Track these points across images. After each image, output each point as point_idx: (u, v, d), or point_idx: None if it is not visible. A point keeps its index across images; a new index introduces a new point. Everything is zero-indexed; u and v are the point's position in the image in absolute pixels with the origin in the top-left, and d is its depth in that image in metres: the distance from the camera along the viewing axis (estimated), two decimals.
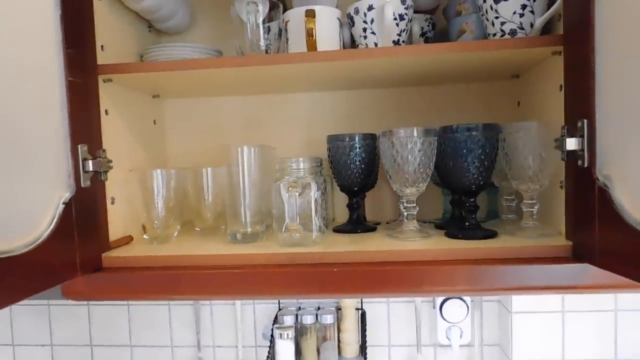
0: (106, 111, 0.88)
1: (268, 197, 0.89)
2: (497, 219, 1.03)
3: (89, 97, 0.81)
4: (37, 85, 0.64)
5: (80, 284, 0.77)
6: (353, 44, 0.97)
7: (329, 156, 0.96)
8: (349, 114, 1.14)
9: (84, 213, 0.74)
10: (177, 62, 0.85)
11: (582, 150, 0.67)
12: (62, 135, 0.70)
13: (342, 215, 1.12)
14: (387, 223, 1.07)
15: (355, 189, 0.96)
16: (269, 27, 0.96)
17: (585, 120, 0.67)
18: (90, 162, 0.75)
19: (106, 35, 0.89)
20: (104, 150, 0.82)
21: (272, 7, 0.95)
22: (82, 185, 0.73)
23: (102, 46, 0.87)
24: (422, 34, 0.98)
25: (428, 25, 0.99)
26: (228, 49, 1.11)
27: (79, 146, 0.73)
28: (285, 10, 1.09)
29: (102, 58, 0.86)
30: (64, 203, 0.67)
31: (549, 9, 0.82)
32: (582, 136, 0.67)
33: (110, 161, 0.82)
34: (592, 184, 0.64)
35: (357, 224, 0.97)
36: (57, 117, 0.69)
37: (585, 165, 0.66)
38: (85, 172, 0.74)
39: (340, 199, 1.12)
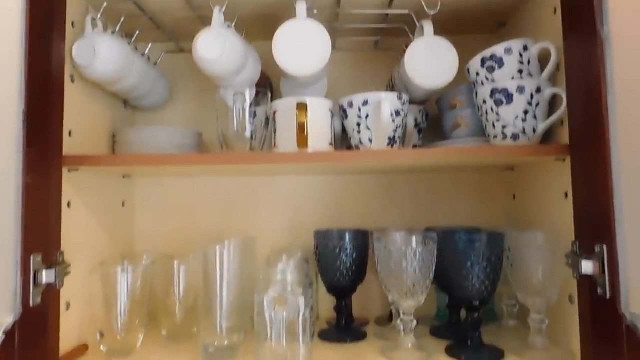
0: (69, 203, 0.78)
1: (248, 294, 0.80)
2: (496, 322, 0.96)
3: (49, 194, 0.71)
4: None
5: None
6: (344, 132, 0.91)
7: (316, 253, 0.88)
8: (338, 199, 1.07)
9: (29, 336, 0.63)
10: (151, 157, 0.76)
11: (602, 276, 0.61)
12: (11, 247, 0.59)
13: (327, 309, 1.02)
14: (376, 323, 0.98)
15: (344, 291, 0.88)
16: (255, 111, 0.90)
17: (605, 246, 0.61)
18: (44, 272, 0.64)
19: (76, 120, 0.81)
20: (61, 253, 0.72)
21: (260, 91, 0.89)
22: (31, 305, 0.62)
23: (70, 132, 0.78)
24: (416, 125, 0.94)
25: (422, 117, 0.95)
26: (208, 124, 1.04)
27: (32, 256, 0.63)
28: (272, 92, 1.04)
29: (69, 145, 0.77)
30: (4, 333, 0.56)
31: (550, 114, 0.78)
32: (600, 261, 0.62)
33: (68, 265, 0.72)
34: (618, 319, 0.58)
35: (345, 330, 0.88)
36: (7, 226, 0.59)
37: (608, 296, 0.60)
38: (37, 286, 0.63)
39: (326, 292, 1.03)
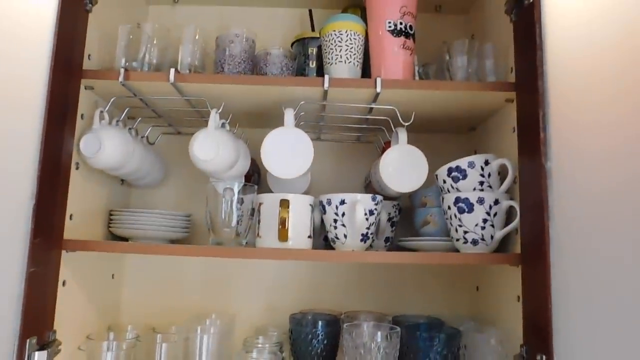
0: (64, 282, 0.84)
1: None
2: None
3: (48, 278, 0.78)
4: None
5: None
6: (323, 223, 0.99)
7: (290, 337, 0.95)
8: (314, 283, 1.14)
9: None
10: (145, 247, 0.84)
11: None
12: (10, 333, 0.65)
13: None
14: None
15: None
16: (242, 198, 0.98)
17: (544, 356, 0.69)
18: (36, 355, 0.70)
19: (77, 204, 0.88)
20: (54, 332, 0.78)
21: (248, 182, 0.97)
22: None
23: (70, 215, 0.86)
24: (389, 219, 1.02)
25: (395, 211, 1.03)
26: (198, 206, 1.11)
27: (28, 340, 0.69)
28: (260, 176, 1.12)
29: (69, 229, 0.84)
30: None
31: (507, 222, 0.87)
32: None
33: (60, 344, 0.77)
34: None
35: None
36: (8, 314, 0.65)
37: None
38: None
39: None
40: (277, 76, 0.96)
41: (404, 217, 1.08)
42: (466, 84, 0.89)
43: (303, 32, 1.09)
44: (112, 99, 0.93)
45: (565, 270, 0.69)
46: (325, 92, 0.89)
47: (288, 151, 0.87)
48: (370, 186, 1.08)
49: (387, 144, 1.08)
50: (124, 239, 1.00)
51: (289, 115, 0.90)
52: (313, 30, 1.13)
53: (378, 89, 0.87)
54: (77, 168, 0.89)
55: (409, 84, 0.88)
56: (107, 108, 0.92)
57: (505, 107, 0.94)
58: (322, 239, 1.04)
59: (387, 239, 1.03)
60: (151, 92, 0.93)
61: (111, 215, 1.01)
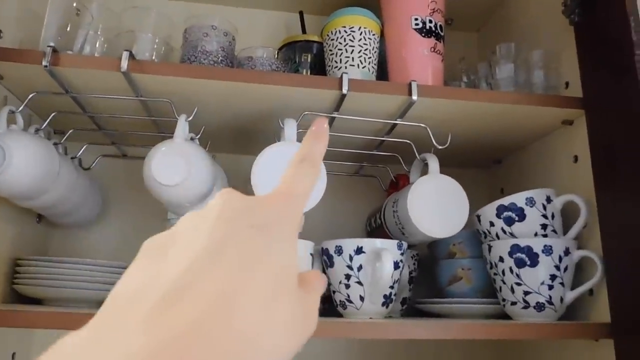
0: None
1: None
2: None
3: None
4: None
5: None
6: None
7: None
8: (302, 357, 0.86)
9: None
10: (63, 315, 0.53)
11: None
12: None
13: None
14: None
15: None
16: None
17: None
18: None
19: None
20: None
21: None
22: None
23: None
24: (409, 274, 0.77)
25: (414, 264, 0.79)
26: None
27: None
28: None
29: None
30: None
31: (575, 281, 0.65)
32: None
33: None
34: None
35: None
36: None
37: None
38: None
39: None
40: (276, 72, 0.71)
41: (421, 272, 0.84)
42: (537, 96, 0.68)
43: (293, 36, 0.86)
44: (30, 95, 0.64)
45: None
46: (342, 98, 0.65)
47: None
48: (376, 232, 0.84)
49: (401, 178, 0.85)
50: (35, 301, 0.69)
51: (290, 127, 0.65)
52: (304, 33, 0.90)
53: (414, 96, 0.64)
54: None
55: (455, 92, 0.66)
56: (21, 108, 0.63)
57: (558, 131, 0.75)
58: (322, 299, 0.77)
59: (403, 300, 0.78)
60: (91, 87, 0.65)
61: (18, 265, 0.69)
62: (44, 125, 0.68)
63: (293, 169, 0.25)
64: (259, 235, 0.21)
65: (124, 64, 0.59)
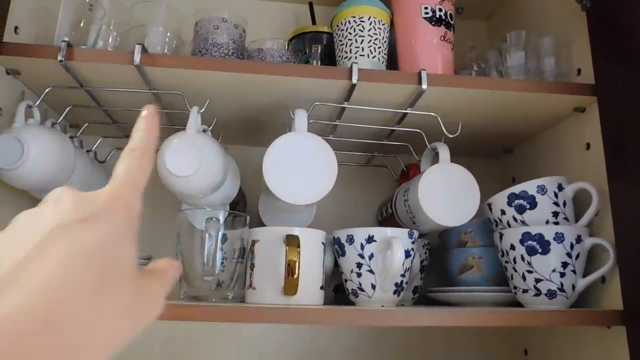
0: None
1: None
2: None
3: None
4: None
5: None
6: (335, 266, 0.74)
7: None
8: (315, 347, 0.87)
9: None
10: None
11: None
12: None
13: None
14: None
15: None
16: (225, 234, 0.71)
17: None
18: None
19: None
20: None
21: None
22: None
23: None
24: (421, 263, 0.78)
25: (425, 253, 0.79)
26: (160, 245, 0.83)
27: None
28: (245, 207, 0.86)
29: None
30: None
31: (587, 269, 0.65)
32: None
33: None
34: None
35: None
36: None
37: None
38: None
39: None
40: (286, 63, 0.72)
41: (432, 261, 0.84)
42: (548, 84, 0.68)
43: (303, 27, 0.86)
44: (47, 90, 0.66)
45: None
46: (351, 88, 0.65)
47: (301, 166, 0.62)
48: (387, 222, 0.84)
49: (412, 167, 0.86)
50: None
51: (301, 118, 0.65)
52: (314, 24, 0.90)
53: (424, 85, 0.64)
54: None
55: (465, 81, 0.66)
56: (38, 102, 0.65)
57: (569, 119, 0.74)
58: (331, 290, 0.78)
59: (414, 289, 0.79)
60: (104, 81, 0.66)
61: None
62: (60, 119, 0.69)
63: (123, 160, 0.26)
64: (89, 229, 0.22)
65: (137, 58, 0.60)
